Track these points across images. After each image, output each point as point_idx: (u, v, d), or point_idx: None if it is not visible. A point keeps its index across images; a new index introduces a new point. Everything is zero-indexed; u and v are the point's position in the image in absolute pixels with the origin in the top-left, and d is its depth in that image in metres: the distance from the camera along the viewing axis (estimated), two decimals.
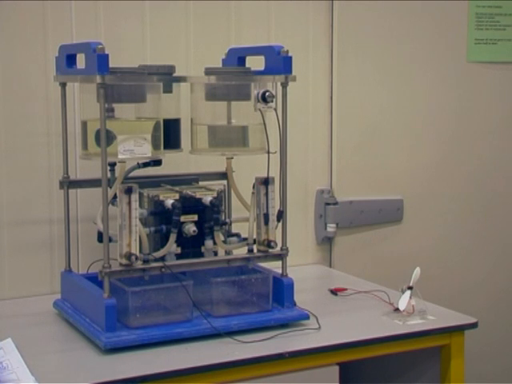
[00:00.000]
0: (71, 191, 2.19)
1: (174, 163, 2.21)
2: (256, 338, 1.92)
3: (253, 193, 2.10)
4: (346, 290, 2.37)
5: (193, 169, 2.39)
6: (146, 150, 1.93)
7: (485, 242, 2.99)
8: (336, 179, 2.77)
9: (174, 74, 2.11)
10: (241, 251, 2.11)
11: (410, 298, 2.10)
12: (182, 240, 2.03)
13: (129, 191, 1.89)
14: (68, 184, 2.16)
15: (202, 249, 2.07)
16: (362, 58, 2.76)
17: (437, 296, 2.29)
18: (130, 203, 1.89)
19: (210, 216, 2.05)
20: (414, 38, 2.82)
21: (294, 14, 2.66)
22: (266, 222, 2.06)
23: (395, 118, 2.84)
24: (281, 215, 2.07)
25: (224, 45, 2.37)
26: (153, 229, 2.02)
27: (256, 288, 2.08)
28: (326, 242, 2.78)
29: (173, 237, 2.00)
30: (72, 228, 2.24)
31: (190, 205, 2.05)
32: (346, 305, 2.26)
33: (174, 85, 2.14)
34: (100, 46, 1.85)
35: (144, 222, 2.01)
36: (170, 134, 2.11)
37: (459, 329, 2.09)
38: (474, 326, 2.10)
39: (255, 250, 2.08)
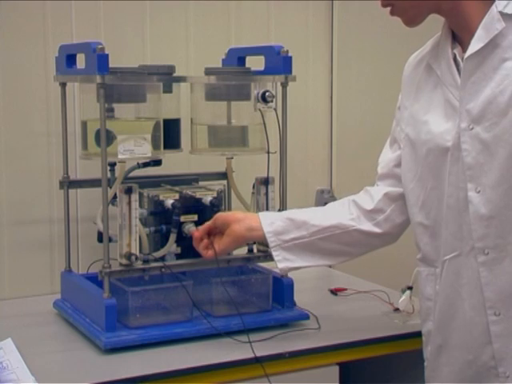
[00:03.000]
0: (71, 191, 2.19)
1: (174, 163, 2.21)
2: (256, 337, 1.92)
3: (253, 193, 2.10)
4: (345, 290, 2.37)
5: (193, 169, 2.39)
6: (145, 150, 1.93)
7: None
8: (336, 179, 2.76)
9: (174, 74, 2.11)
10: (241, 251, 2.11)
11: (410, 298, 2.10)
12: (182, 240, 2.03)
13: (129, 191, 1.89)
14: (68, 184, 2.16)
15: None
16: (361, 58, 2.76)
17: None
18: (130, 203, 1.89)
19: (210, 216, 2.04)
20: (414, 38, 2.81)
21: (293, 14, 2.66)
22: None
23: None
24: None
25: (224, 45, 2.37)
26: (153, 229, 2.02)
27: (256, 288, 2.08)
28: None
29: (173, 237, 2.00)
30: (72, 228, 2.24)
31: (189, 205, 2.05)
32: (346, 305, 2.26)
33: (174, 85, 2.14)
34: (100, 46, 1.85)
35: (144, 222, 2.01)
36: (169, 134, 2.11)
37: None
38: None
39: (255, 250, 2.08)
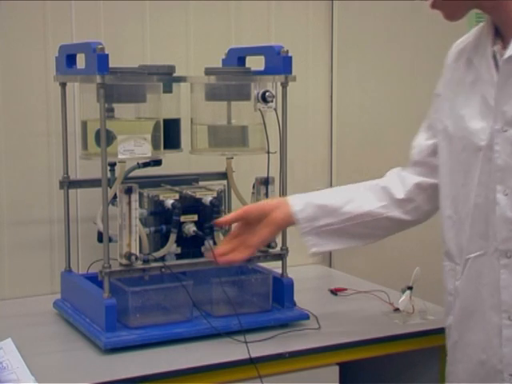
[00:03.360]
0: (71, 191, 2.19)
1: (174, 163, 2.21)
2: (256, 337, 1.92)
3: (253, 193, 2.10)
4: (346, 290, 2.37)
5: (193, 169, 2.39)
6: (146, 150, 1.93)
7: None
8: (336, 179, 2.76)
9: (174, 74, 2.11)
10: None
11: (410, 298, 2.10)
12: (182, 240, 2.03)
13: (129, 191, 1.89)
14: (68, 184, 2.16)
15: (202, 249, 2.07)
16: (361, 58, 2.76)
17: (437, 296, 2.29)
18: (130, 203, 1.89)
19: (210, 216, 2.05)
20: (413, 38, 2.82)
21: (294, 14, 2.66)
22: None
23: (395, 117, 2.84)
24: None
25: (224, 45, 2.37)
26: (153, 229, 2.02)
27: (256, 288, 2.08)
28: None
29: (173, 237, 2.00)
30: (72, 228, 2.24)
31: (189, 205, 2.05)
32: (345, 305, 2.26)
33: (174, 85, 2.14)
34: (100, 46, 1.85)
35: (144, 222, 2.01)
36: (169, 134, 2.11)
37: None
38: None
39: None
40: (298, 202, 1.87)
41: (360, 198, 1.89)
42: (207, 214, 2.05)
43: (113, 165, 2.11)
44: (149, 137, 1.94)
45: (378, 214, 1.87)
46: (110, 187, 1.99)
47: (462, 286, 1.68)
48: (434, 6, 1.66)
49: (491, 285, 1.62)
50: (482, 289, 1.63)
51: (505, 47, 1.60)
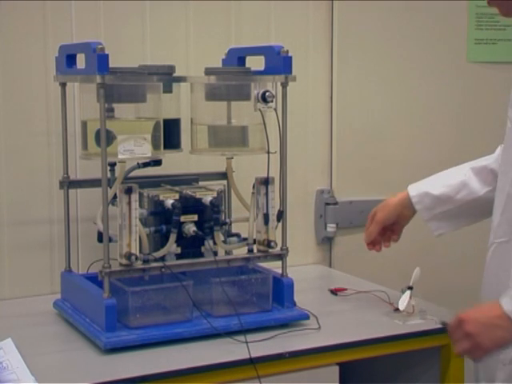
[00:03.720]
0: (71, 191, 2.19)
1: (173, 163, 2.21)
2: (256, 337, 1.92)
3: (253, 193, 2.10)
4: (345, 290, 2.37)
5: (193, 169, 2.39)
6: (146, 150, 1.93)
7: (485, 241, 2.98)
8: (336, 179, 2.76)
9: (174, 74, 2.11)
10: (241, 251, 2.11)
11: (410, 298, 2.10)
12: (182, 240, 2.03)
13: (129, 191, 1.89)
14: (68, 184, 2.16)
15: (202, 249, 2.07)
16: (362, 58, 2.76)
17: (437, 296, 2.29)
18: (130, 203, 1.89)
19: (210, 216, 2.05)
20: (413, 38, 2.82)
21: (294, 14, 2.65)
22: (266, 222, 2.06)
23: (395, 117, 2.84)
24: (281, 215, 2.07)
25: (224, 45, 2.37)
26: (153, 229, 2.02)
27: (256, 288, 2.08)
28: (326, 242, 2.78)
29: (173, 237, 2.00)
30: (72, 228, 2.24)
31: (189, 205, 2.05)
32: (345, 305, 2.26)
33: (174, 85, 2.14)
34: (100, 46, 1.85)
35: (144, 222, 2.01)
36: (170, 134, 2.11)
37: None
38: None
39: (255, 250, 2.08)
40: (416, 194, 2.10)
41: (470, 184, 2.05)
42: (207, 214, 2.05)
43: (113, 165, 2.11)
44: (149, 137, 1.94)
45: (487, 198, 1.99)
46: (110, 187, 1.99)
47: (488, 267, 1.79)
48: (490, 2, 1.71)
49: (507, 271, 1.69)
50: (502, 274, 1.71)
51: None
